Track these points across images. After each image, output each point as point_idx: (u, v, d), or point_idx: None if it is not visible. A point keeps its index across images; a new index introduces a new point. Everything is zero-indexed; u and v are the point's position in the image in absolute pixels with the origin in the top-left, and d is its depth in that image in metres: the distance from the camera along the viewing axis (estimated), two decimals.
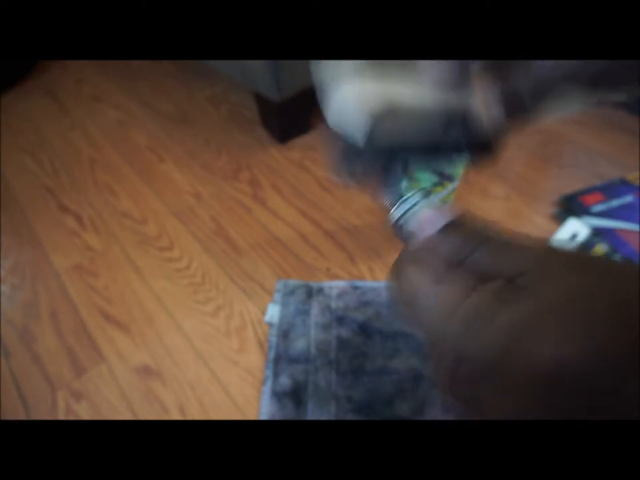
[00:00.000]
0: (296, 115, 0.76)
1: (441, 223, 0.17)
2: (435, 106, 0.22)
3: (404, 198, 0.20)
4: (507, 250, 0.16)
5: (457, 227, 0.17)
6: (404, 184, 0.21)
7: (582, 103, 0.24)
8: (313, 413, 0.43)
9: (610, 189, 0.63)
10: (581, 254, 0.15)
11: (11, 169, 0.78)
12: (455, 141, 0.24)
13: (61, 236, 0.65)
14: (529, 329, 0.13)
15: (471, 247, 0.16)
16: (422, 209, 0.19)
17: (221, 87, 0.92)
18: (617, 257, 0.54)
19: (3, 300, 0.58)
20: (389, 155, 0.22)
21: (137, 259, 0.61)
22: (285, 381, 0.46)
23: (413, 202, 0.20)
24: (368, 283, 0.54)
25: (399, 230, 0.20)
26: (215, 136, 0.80)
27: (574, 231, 0.58)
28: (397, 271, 0.18)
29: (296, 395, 0.45)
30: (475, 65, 0.24)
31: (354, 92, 0.20)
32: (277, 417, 0.43)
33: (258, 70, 0.64)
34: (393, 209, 0.20)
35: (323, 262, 0.58)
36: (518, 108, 0.23)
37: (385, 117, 0.20)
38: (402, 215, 0.20)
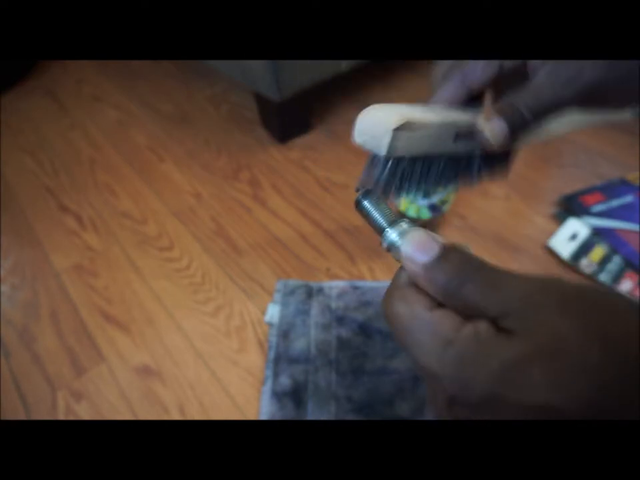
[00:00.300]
0: (296, 115, 0.76)
1: (424, 257, 0.17)
2: (447, 121, 0.25)
3: (383, 230, 0.21)
4: (493, 286, 0.16)
5: (441, 262, 0.17)
6: (379, 216, 0.21)
7: (584, 122, 0.25)
8: (313, 413, 0.43)
9: (610, 189, 0.63)
10: (570, 290, 0.15)
11: (11, 168, 0.78)
12: (466, 153, 0.26)
13: (61, 236, 0.65)
14: (521, 373, 0.14)
15: (455, 284, 0.16)
16: (404, 243, 0.19)
17: (220, 87, 0.92)
18: (617, 257, 0.54)
19: (3, 300, 0.58)
20: (408, 163, 0.24)
21: (137, 258, 0.61)
22: (285, 381, 0.46)
23: (395, 235, 0.20)
24: (368, 283, 0.54)
25: (391, 251, 0.20)
26: (215, 136, 0.80)
27: (574, 231, 0.58)
28: (387, 301, 0.18)
29: (296, 395, 0.45)
30: (480, 85, 0.26)
31: (377, 112, 0.23)
32: (277, 417, 0.43)
33: (258, 70, 0.64)
34: (385, 233, 0.20)
35: (323, 262, 0.58)
36: (520, 124, 0.24)
37: (402, 129, 0.22)
38: (387, 248, 0.20)
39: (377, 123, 0.22)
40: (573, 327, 0.14)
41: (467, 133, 0.25)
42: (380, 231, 0.21)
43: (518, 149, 0.28)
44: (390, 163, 0.23)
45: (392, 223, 0.20)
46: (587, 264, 0.54)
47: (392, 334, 0.18)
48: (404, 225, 0.20)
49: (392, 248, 0.20)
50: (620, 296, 0.15)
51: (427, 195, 0.50)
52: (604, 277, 0.52)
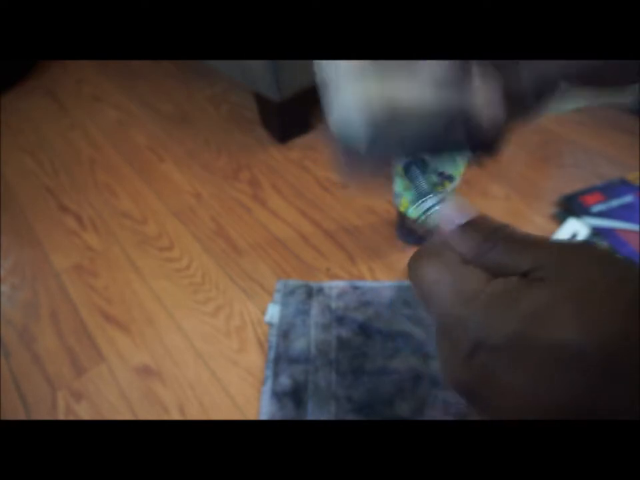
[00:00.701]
0: (296, 115, 0.76)
1: (461, 220, 0.18)
2: (436, 106, 0.23)
3: (425, 196, 0.21)
4: (522, 247, 0.16)
5: (475, 225, 0.18)
6: (424, 182, 0.22)
7: (582, 101, 0.24)
8: (313, 413, 0.43)
9: (610, 189, 0.63)
10: (597, 249, 0.16)
11: (11, 169, 0.78)
12: (457, 141, 0.25)
13: (61, 236, 0.65)
14: (551, 312, 0.14)
15: (488, 244, 0.17)
16: (443, 206, 0.20)
17: (221, 87, 0.92)
18: None
19: (3, 300, 0.58)
20: (392, 157, 0.23)
21: (137, 258, 0.61)
22: (284, 381, 0.46)
23: (435, 201, 0.21)
24: (368, 283, 0.54)
25: (420, 225, 0.21)
26: (215, 136, 0.80)
27: (574, 231, 0.58)
28: (417, 259, 0.19)
29: (296, 394, 0.45)
30: (476, 64, 0.24)
31: (355, 94, 0.20)
32: (277, 417, 0.43)
33: (258, 70, 0.64)
34: (414, 206, 0.21)
35: (323, 262, 0.58)
36: (519, 106, 0.24)
37: (385, 123, 0.20)
38: (424, 212, 0.21)
39: (355, 111, 0.20)
40: (603, 274, 0.14)
41: (460, 118, 0.24)
42: (420, 196, 0.21)
43: (512, 135, 0.28)
44: (370, 158, 0.22)
45: (432, 191, 0.21)
46: None
47: (417, 291, 0.19)
48: (444, 194, 0.21)
49: (428, 214, 0.21)
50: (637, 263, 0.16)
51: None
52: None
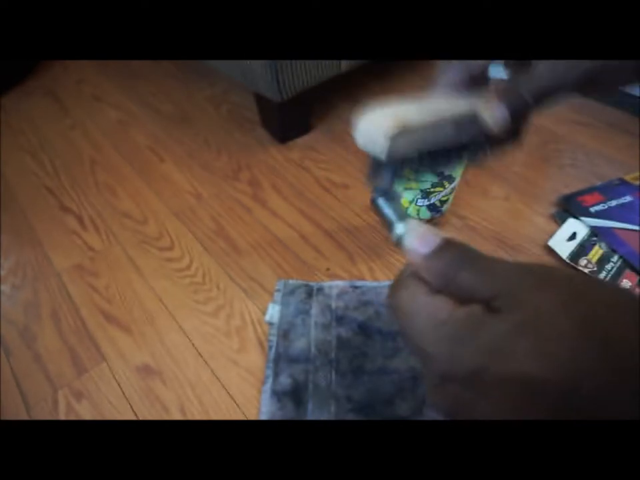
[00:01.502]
0: (296, 115, 0.76)
1: (425, 249, 0.19)
2: (445, 115, 0.25)
3: (393, 225, 0.23)
4: (485, 272, 0.17)
5: (439, 253, 0.19)
6: (390, 212, 0.24)
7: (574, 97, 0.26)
8: (313, 412, 0.43)
9: (609, 189, 0.63)
10: (552, 272, 0.17)
11: (12, 169, 0.78)
12: (465, 143, 0.27)
13: (62, 236, 0.65)
14: (507, 346, 0.15)
15: (452, 271, 0.18)
16: (407, 237, 0.21)
17: (221, 87, 0.92)
18: (616, 257, 0.54)
19: (4, 300, 0.58)
20: (410, 159, 0.25)
21: (137, 258, 0.61)
22: (285, 381, 0.46)
23: (402, 229, 0.22)
24: (368, 283, 0.54)
25: (400, 246, 0.22)
26: (215, 136, 0.80)
27: (573, 230, 0.58)
28: (392, 290, 0.20)
29: (296, 394, 0.45)
30: (481, 68, 0.26)
31: (374, 117, 0.24)
32: (277, 417, 0.43)
33: (258, 70, 0.64)
34: (392, 230, 0.23)
35: (323, 262, 0.58)
36: (520, 108, 0.24)
37: (398, 135, 0.24)
38: (396, 240, 0.23)
39: (374, 129, 0.24)
40: (550, 302, 0.15)
41: (468, 121, 0.26)
42: (390, 226, 0.23)
43: (526, 128, 0.28)
44: (392, 164, 0.25)
45: (401, 219, 0.23)
46: (586, 264, 0.54)
47: (395, 322, 0.20)
48: (412, 222, 0.22)
49: (400, 241, 0.22)
50: (597, 282, 0.17)
51: (436, 175, 0.50)
52: (603, 277, 0.52)
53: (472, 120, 0.26)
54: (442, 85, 0.27)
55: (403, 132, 0.24)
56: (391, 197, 0.24)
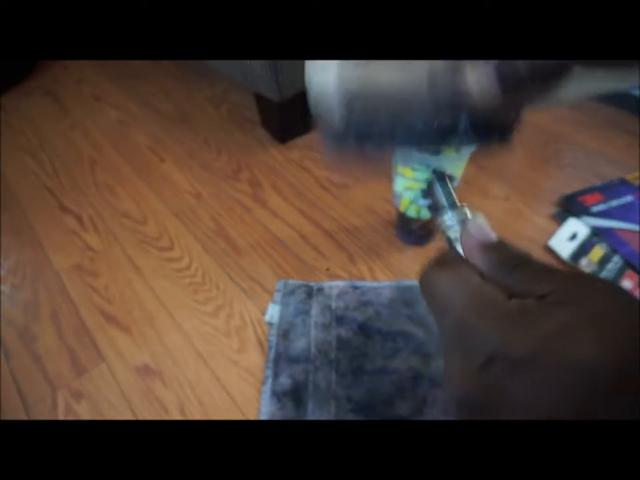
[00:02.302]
0: (296, 115, 0.76)
1: (482, 240, 0.19)
2: (421, 88, 0.20)
3: (447, 212, 0.22)
4: (540, 273, 0.18)
5: (497, 247, 0.19)
6: (445, 198, 0.23)
7: (594, 87, 0.23)
8: (313, 412, 0.43)
9: (609, 189, 0.63)
10: (606, 282, 0.17)
11: (12, 169, 0.78)
12: (451, 127, 0.22)
13: (61, 236, 0.65)
14: (571, 333, 0.15)
15: (508, 267, 0.18)
16: (466, 225, 0.21)
17: (221, 87, 0.92)
18: (617, 257, 0.54)
19: (3, 300, 0.58)
20: (370, 135, 0.21)
21: (137, 258, 0.61)
22: (284, 381, 0.46)
23: (456, 218, 0.22)
24: (368, 283, 0.54)
25: (446, 236, 0.22)
26: (215, 136, 0.80)
27: (574, 231, 0.58)
28: (433, 269, 0.20)
29: (296, 394, 0.45)
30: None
31: (332, 73, 0.19)
32: (277, 417, 0.43)
33: (258, 70, 0.64)
34: (441, 216, 0.22)
35: (323, 262, 0.58)
36: (513, 79, 0.21)
37: (361, 101, 0.18)
38: (446, 227, 0.22)
39: (327, 87, 0.18)
40: (608, 305, 0.16)
41: (447, 82, 0.20)
42: (441, 212, 0.22)
43: (521, 115, 0.24)
44: (348, 134, 0.20)
45: (452, 207, 0.22)
46: (587, 264, 0.54)
47: (429, 299, 0.20)
48: (464, 210, 0.22)
49: (447, 230, 0.22)
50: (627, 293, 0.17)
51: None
52: (604, 277, 0.52)
53: (452, 81, 0.20)
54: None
55: (366, 91, 0.18)
56: (447, 182, 0.23)
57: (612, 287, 0.17)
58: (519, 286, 0.18)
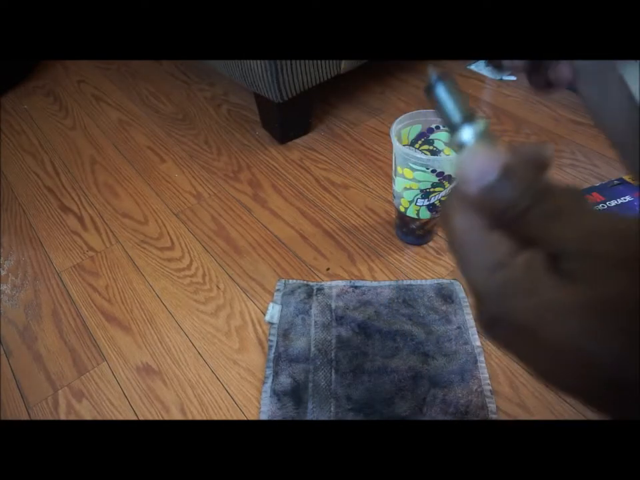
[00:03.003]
0: (296, 115, 0.76)
1: (496, 169, 0.16)
2: None
3: (456, 124, 0.18)
4: (557, 218, 0.14)
5: (513, 175, 0.15)
6: (452, 107, 0.18)
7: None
8: (313, 412, 0.43)
9: (608, 190, 0.63)
10: (627, 242, 0.14)
11: (12, 169, 0.78)
12: None
13: (62, 236, 0.65)
14: (567, 319, 0.13)
15: (523, 205, 0.15)
16: (478, 148, 0.17)
17: (221, 87, 0.92)
18: None
19: (4, 299, 0.58)
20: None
21: (137, 258, 0.61)
22: (285, 380, 0.46)
23: (468, 135, 0.18)
24: (368, 283, 0.54)
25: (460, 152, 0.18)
26: (215, 136, 0.80)
27: None
28: (447, 213, 0.17)
29: (296, 394, 0.45)
30: None
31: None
32: (277, 416, 0.43)
33: (258, 70, 0.64)
34: (453, 132, 0.18)
35: (323, 262, 0.58)
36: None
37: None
38: (462, 143, 0.18)
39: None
40: (632, 287, 0.13)
41: None
42: (452, 125, 0.18)
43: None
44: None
45: (467, 120, 0.18)
46: None
47: (447, 243, 0.17)
48: (479, 123, 0.18)
49: (462, 148, 0.18)
50: None
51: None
52: None
53: None
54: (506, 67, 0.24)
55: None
56: (452, 86, 0.18)
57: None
58: (531, 232, 0.15)
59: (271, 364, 0.47)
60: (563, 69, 0.23)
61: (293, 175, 0.71)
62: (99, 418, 0.46)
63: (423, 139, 0.55)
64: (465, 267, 0.16)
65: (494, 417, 0.43)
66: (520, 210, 0.15)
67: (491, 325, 0.15)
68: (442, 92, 0.18)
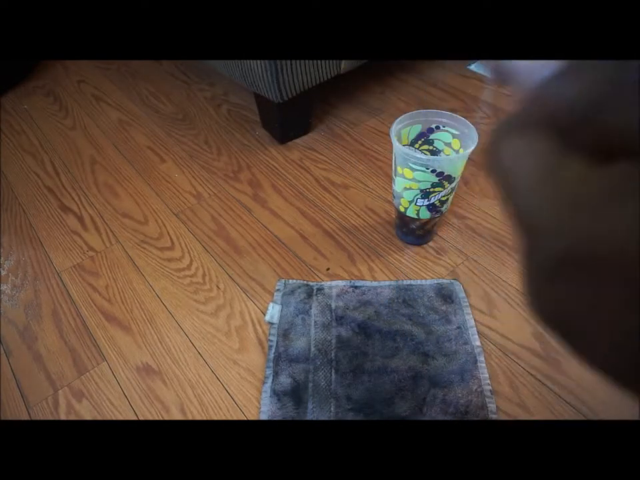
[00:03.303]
0: (296, 115, 0.76)
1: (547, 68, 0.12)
2: None
3: None
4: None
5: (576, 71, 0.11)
6: None
7: None
8: (313, 412, 0.43)
9: None
10: None
11: (12, 169, 0.78)
12: None
13: (62, 236, 0.65)
14: None
15: (598, 99, 0.10)
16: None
17: (221, 87, 0.92)
18: None
19: (5, 299, 0.58)
20: None
21: (137, 258, 0.61)
22: (285, 380, 0.46)
23: None
24: (368, 283, 0.54)
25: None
26: (215, 136, 0.80)
27: None
28: (500, 138, 0.12)
29: (296, 394, 0.45)
30: None
31: None
32: (277, 416, 0.43)
33: (258, 70, 0.64)
34: None
35: (323, 262, 0.58)
36: None
37: None
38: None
39: None
40: None
41: None
42: None
43: None
44: None
45: None
46: None
47: (499, 175, 0.12)
48: None
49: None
50: None
51: None
52: None
53: None
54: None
55: None
56: None
57: None
58: (612, 132, 0.09)
59: (271, 364, 0.47)
60: None
61: (293, 175, 0.71)
62: (99, 418, 0.46)
63: (422, 139, 0.55)
64: (528, 204, 0.11)
65: (494, 416, 0.43)
66: (598, 103, 0.10)
67: (553, 276, 0.10)
68: None
